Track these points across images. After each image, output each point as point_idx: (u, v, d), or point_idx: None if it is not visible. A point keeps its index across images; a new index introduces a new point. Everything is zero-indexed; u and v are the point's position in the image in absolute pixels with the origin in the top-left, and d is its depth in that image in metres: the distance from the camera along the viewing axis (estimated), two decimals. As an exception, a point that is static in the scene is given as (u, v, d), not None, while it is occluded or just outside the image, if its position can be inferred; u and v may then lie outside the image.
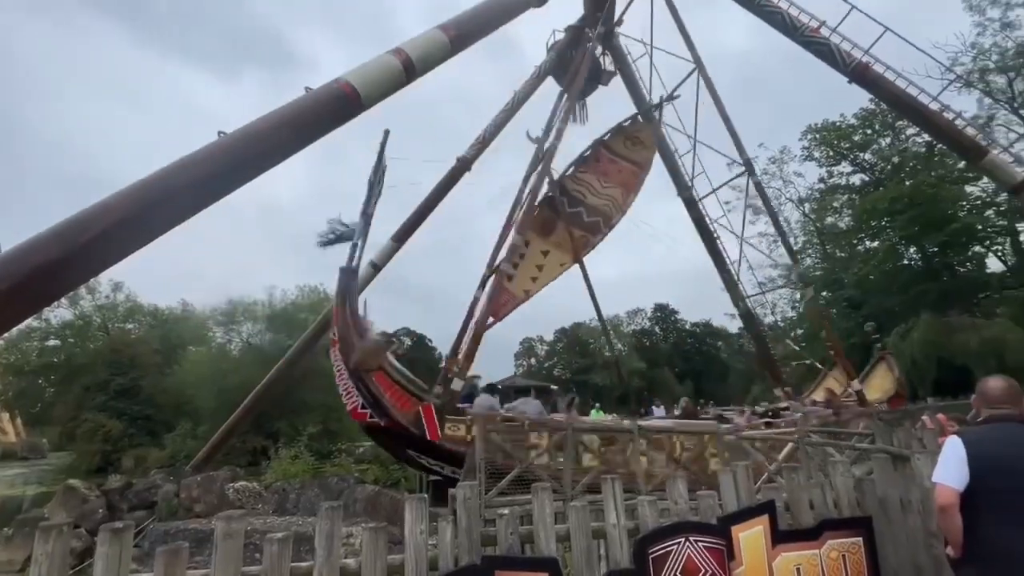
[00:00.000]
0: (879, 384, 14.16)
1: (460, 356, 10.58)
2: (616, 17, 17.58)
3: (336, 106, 6.28)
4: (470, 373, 11.15)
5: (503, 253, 11.84)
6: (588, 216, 13.55)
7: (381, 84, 6.84)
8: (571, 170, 14.31)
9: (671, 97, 17.05)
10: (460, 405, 9.56)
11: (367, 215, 9.33)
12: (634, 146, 14.97)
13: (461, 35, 8.15)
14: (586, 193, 13.84)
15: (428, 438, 8.68)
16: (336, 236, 9.76)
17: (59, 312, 36.84)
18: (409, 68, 7.25)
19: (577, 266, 13.12)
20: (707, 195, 17.77)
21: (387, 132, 9.59)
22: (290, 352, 17.47)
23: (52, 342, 44.12)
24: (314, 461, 15.94)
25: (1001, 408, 2.62)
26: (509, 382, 20.92)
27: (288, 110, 5.66)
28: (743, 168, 15.81)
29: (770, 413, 13.08)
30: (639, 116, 16.04)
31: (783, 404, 14.16)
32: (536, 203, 12.52)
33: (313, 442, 17.45)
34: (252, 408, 16.70)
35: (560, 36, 17.26)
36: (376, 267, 16.54)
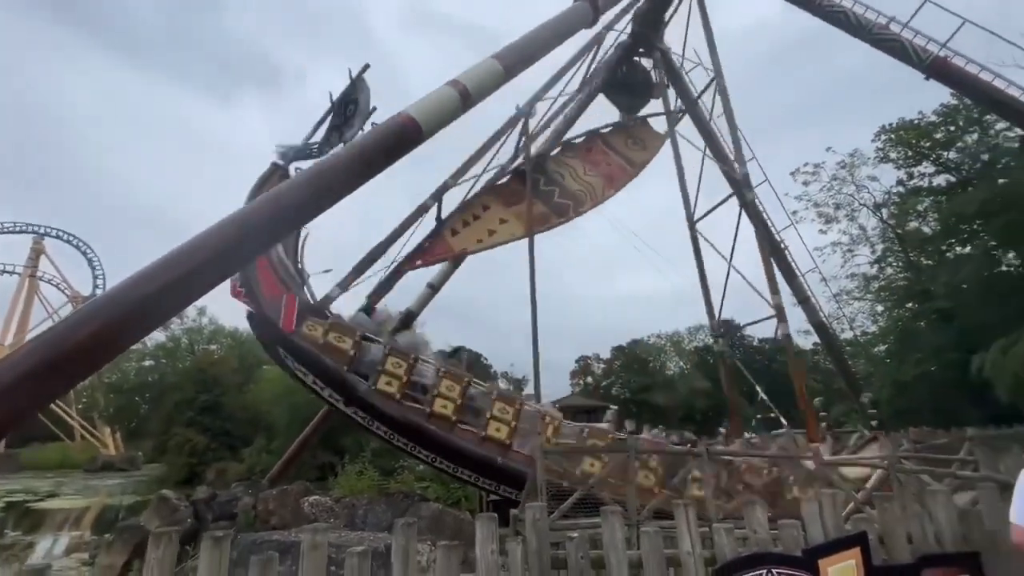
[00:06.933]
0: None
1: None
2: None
3: (400, 136, 6.69)
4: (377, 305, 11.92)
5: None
6: (559, 197, 13.82)
7: (440, 114, 7.21)
8: (556, 151, 14.69)
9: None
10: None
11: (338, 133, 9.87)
12: (634, 145, 15.38)
13: (515, 63, 8.45)
14: (566, 176, 14.13)
15: (281, 326, 8.93)
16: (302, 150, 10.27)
17: (154, 335, 40.43)
18: (466, 97, 7.59)
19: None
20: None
21: (367, 65, 10.25)
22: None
23: (147, 362, 48.41)
24: (378, 477, 16.35)
25: None
26: (567, 402, 20.61)
27: (359, 145, 6.13)
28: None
29: None
30: (646, 120, 16.46)
31: None
32: (508, 172, 13.21)
33: (377, 458, 17.91)
34: (321, 424, 17.44)
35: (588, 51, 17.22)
36: (434, 288, 17.02)
